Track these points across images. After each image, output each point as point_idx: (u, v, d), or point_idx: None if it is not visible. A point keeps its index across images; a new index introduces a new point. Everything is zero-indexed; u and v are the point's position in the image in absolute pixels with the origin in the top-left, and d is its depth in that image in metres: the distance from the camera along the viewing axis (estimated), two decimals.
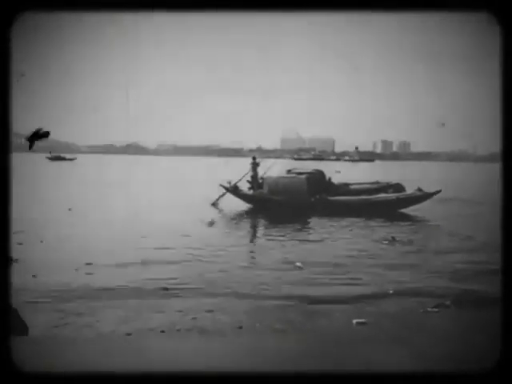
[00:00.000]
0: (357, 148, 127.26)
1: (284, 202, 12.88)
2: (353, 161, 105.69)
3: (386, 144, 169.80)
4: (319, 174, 15.00)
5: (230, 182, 14.47)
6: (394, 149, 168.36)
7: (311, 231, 10.61)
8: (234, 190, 14.32)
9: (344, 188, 14.86)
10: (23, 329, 1.74)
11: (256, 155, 16.20)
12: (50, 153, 63.80)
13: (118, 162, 73.02)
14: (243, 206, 14.19)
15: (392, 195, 13.58)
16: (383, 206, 13.07)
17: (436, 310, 4.43)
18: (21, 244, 7.79)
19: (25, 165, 50.78)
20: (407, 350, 1.27)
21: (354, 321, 4.04)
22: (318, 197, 13.29)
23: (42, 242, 8.47)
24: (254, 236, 10.48)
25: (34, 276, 6.02)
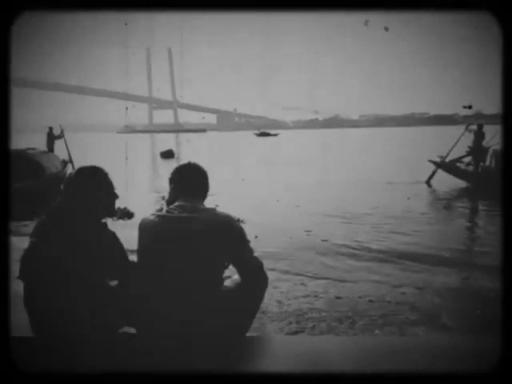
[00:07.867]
0: None
1: None
2: None
3: None
4: None
5: (441, 157, 12.04)
6: None
7: None
8: (449, 165, 11.71)
9: None
10: None
11: (473, 121, 12.75)
12: (259, 130, 71.83)
13: (319, 136, 74.35)
14: (459, 184, 11.48)
15: None
16: None
17: None
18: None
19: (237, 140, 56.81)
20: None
21: None
22: None
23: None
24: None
25: (256, 237, 6.14)
